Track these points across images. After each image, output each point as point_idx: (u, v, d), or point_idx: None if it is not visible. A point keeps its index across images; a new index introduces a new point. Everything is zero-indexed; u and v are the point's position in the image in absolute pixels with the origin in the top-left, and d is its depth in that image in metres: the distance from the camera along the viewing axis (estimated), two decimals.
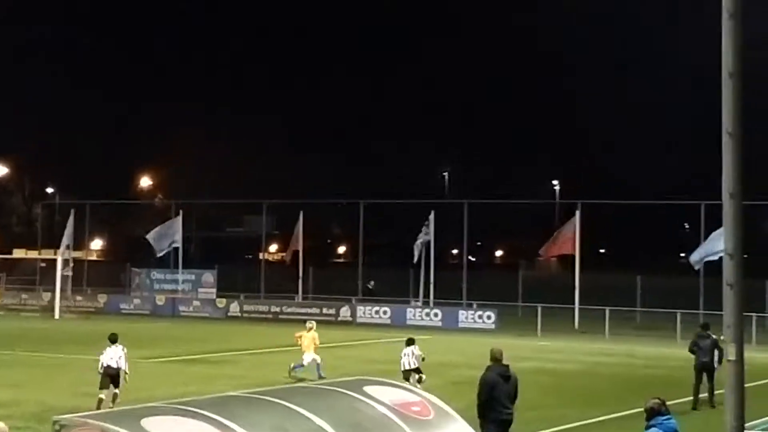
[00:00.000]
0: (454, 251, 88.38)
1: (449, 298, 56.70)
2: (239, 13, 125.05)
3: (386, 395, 9.34)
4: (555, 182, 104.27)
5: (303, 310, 55.25)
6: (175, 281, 60.70)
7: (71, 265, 58.02)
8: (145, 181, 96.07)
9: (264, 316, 55.02)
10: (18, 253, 75.84)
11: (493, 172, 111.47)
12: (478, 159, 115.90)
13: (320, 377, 27.63)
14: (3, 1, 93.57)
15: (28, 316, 55.62)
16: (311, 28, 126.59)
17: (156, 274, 61.88)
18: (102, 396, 23.04)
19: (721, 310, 9.39)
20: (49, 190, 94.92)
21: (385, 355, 38.11)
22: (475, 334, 47.97)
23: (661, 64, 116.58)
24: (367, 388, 9.42)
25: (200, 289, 59.94)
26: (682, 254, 53.89)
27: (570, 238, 53.59)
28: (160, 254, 61.71)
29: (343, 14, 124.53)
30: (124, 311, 57.21)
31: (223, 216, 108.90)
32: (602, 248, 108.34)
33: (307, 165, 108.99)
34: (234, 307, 56.54)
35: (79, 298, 59.26)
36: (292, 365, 29.88)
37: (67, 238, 59.07)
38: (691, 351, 26.29)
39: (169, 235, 60.82)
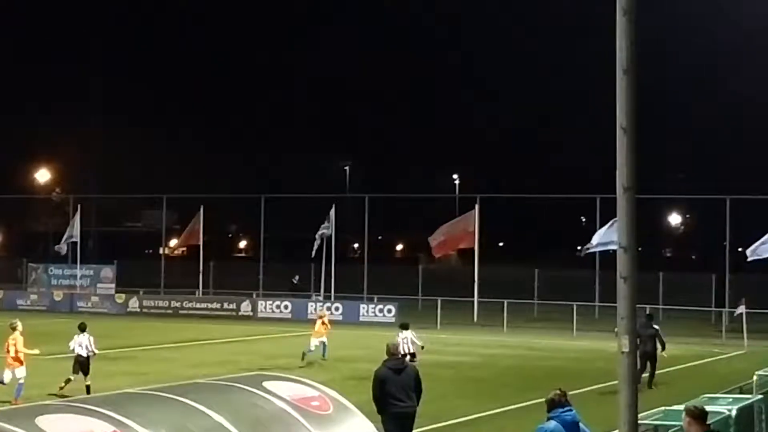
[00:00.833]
0: (355, 245, 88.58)
1: (350, 292, 56.79)
2: (139, 6, 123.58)
3: (285, 390, 9.32)
4: (455, 176, 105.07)
5: (203, 305, 54.93)
6: (74, 276, 59.81)
7: None
8: (42, 176, 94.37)
9: (164, 311, 54.47)
10: None
11: (393, 167, 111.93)
12: (379, 153, 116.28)
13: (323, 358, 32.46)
14: None
15: None
16: (210, 21, 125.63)
17: (54, 270, 60.91)
18: (71, 377, 25.08)
19: (616, 303, 9.54)
20: None
21: (286, 349, 38.07)
22: (376, 328, 48.12)
23: (560, 59, 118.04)
24: (266, 384, 9.39)
25: (99, 285, 59.16)
26: (578, 248, 54.65)
27: (467, 231, 53.95)
28: (62, 252, 60.63)
29: (242, 6, 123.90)
30: (20, 307, 56.08)
31: (122, 211, 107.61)
32: (501, 242, 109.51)
33: (208, 159, 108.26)
34: (133, 303, 55.91)
35: None
36: (304, 350, 32.88)
37: None
38: (638, 340, 26.49)
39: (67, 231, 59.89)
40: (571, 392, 13.17)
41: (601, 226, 50.86)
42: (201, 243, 58.88)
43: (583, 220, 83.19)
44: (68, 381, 25.07)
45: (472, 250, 53.96)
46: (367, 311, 52.16)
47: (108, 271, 59.85)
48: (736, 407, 14.52)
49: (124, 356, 35.03)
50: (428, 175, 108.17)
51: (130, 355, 35.63)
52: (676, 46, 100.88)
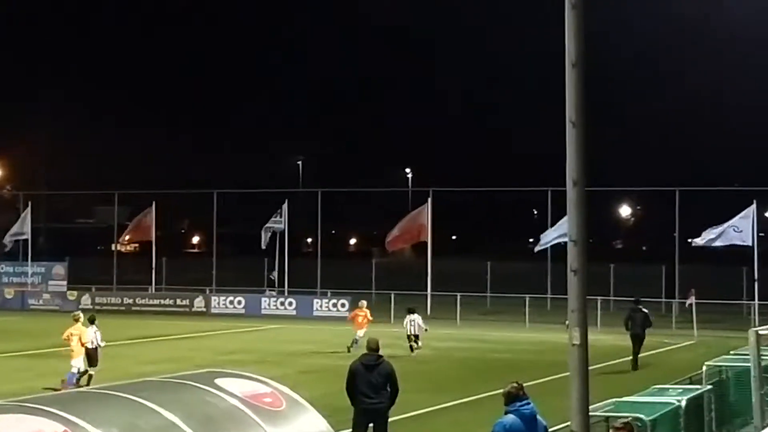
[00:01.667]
0: (309, 240, 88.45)
1: (304, 286, 56.72)
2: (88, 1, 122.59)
3: (237, 387, 9.30)
4: (407, 170, 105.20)
5: (156, 301, 54.65)
6: (25, 274, 59.27)
7: None
8: None
9: (117, 308, 54.10)
10: None
11: (346, 161, 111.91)
12: (332, 148, 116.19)
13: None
14: None
15: None
16: (163, 16, 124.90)
17: (4, 267, 60.34)
18: (91, 372, 25.96)
19: (567, 295, 9.59)
20: None
21: (239, 345, 37.99)
22: (330, 323, 48.12)
23: (511, 51, 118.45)
24: (218, 381, 9.37)
25: (50, 282, 58.66)
26: (531, 240, 55.02)
27: (421, 225, 54.04)
28: (7, 248, 60.12)
29: (196, 2, 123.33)
30: None
31: (74, 207, 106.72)
32: (453, 235, 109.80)
33: (160, 154, 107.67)
34: (86, 300, 55.47)
35: None
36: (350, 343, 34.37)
37: None
38: (626, 324, 32.39)
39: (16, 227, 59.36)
40: (524, 384, 13.25)
41: (553, 218, 51.27)
42: (153, 239, 58.56)
43: (535, 212, 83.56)
44: (87, 374, 25.99)
45: (425, 243, 54.08)
46: (321, 306, 52.13)
47: (60, 268, 59.36)
48: (685, 398, 14.67)
49: None
50: (381, 169, 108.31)
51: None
52: (623, 38, 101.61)
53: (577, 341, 9.30)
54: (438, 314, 50.91)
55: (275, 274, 60.19)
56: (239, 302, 53.54)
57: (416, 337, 34.43)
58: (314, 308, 51.97)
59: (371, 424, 16.85)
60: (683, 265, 52.02)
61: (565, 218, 41.27)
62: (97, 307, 54.36)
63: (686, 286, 49.38)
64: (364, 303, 37.53)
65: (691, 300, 46.75)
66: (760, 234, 50.42)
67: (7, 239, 59.20)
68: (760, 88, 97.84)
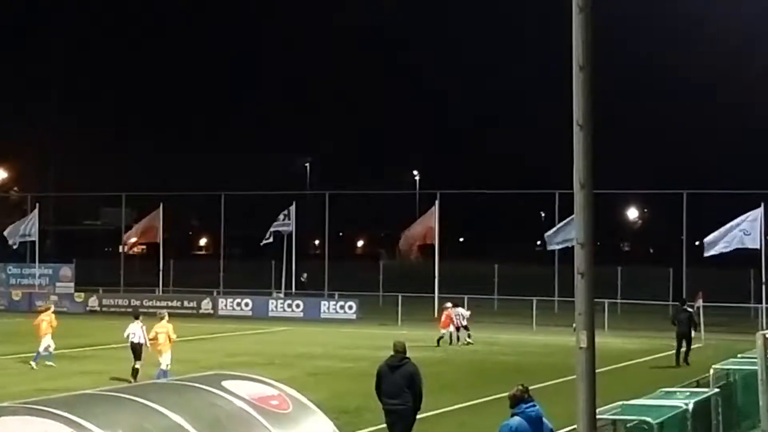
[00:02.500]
0: (316, 242, 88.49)
1: (311, 288, 56.73)
2: (98, 7, 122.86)
3: (244, 389, 9.30)
4: (415, 172, 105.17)
5: (163, 303, 54.47)
6: (32, 276, 59.38)
7: None
8: None
9: (124, 309, 54.08)
10: None
11: (354, 163, 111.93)
12: (340, 150, 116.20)
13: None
14: None
15: None
16: (168, 20, 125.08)
17: (12, 269, 60.43)
18: (137, 366, 27.07)
19: (574, 297, 9.58)
20: None
21: (247, 347, 38.01)
22: (337, 325, 48.19)
23: (518, 53, 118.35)
24: (225, 383, 9.36)
25: (58, 284, 58.75)
26: (538, 242, 54.93)
27: (429, 227, 54.07)
28: (15, 246, 60.16)
29: (198, 4, 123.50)
30: None
31: (81, 209, 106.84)
32: (461, 237, 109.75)
33: (167, 156, 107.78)
34: (93, 301, 55.59)
35: None
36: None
37: None
38: (673, 322, 34.74)
39: (23, 227, 59.42)
40: (531, 387, 13.24)
41: (560, 220, 51.18)
42: (161, 241, 58.62)
43: (543, 215, 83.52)
44: (133, 368, 27.01)
45: (433, 246, 54.08)
46: (328, 308, 52.14)
47: (67, 270, 59.45)
48: (693, 401, 14.64)
49: (83, 356, 34.86)
50: (389, 171, 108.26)
51: (90, 354, 35.44)
52: (631, 40, 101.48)
53: (584, 344, 9.31)
54: None
55: (305, 276, 60.23)
56: (246, 304, 53.58)
57: (465, 327, 39.32)
58: (322, 310, 52.00)
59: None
60: (690, 267, 51.95)
61: (572, 217, 41.37)
62: (104, 309, 54.53)
63: (694, 289, 49.29)
64: (449, 304, 40.29)
65: (699, 303, 46.65)
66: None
67: (15, 239, 59.18)
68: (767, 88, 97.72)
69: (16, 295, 57.29)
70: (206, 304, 54.01)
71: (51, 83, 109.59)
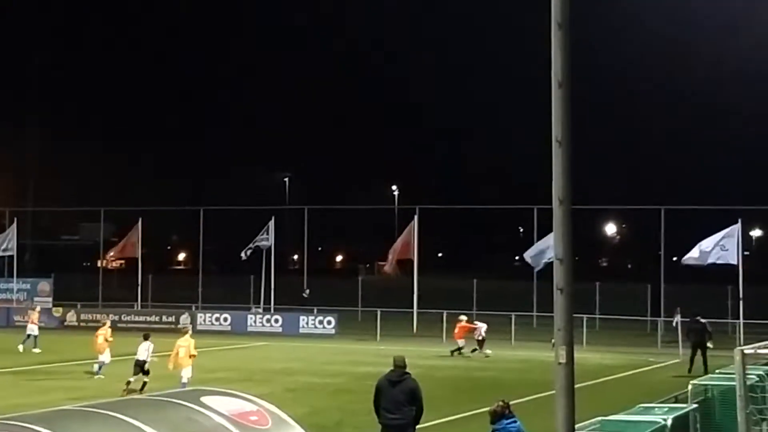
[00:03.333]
0: (295, 257, 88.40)
1: (290, 304, 56.63)
2: (75, 19, 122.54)
3: (223, 405, 9.27)
4: (394, 187, 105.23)
5: (142, 318, 54.42)
6: (10, 290, 59.06)
7: None
8: None
9: (102, 325, 53.81)
10: None
11: (333, 178, 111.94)
12: (319, 165, 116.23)
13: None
14: None
15: None
16: (146, 33, 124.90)
17: None
18: (131, 379, 28.37)
19: (553, 313, 9.59)
20: None
21: (225, 363, 37.87)
22: (316, 340, 48.10)
23: (499, 70, 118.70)
24: (205, 399, 9.33)
25: (36, 298, 58.39)
26: (517, 257, 55.07)
27: (408, 242, 54.09)
28: None
29: (177, 17, 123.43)
30: None
31: (60, 224, 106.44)
32: (440, 252, 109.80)
33: (146, 171, 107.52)
34: (71, 316, 55.27)
35: None
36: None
37: None
38: (687, 334, 37.78)
39: (1, 242, 59.15)
40: (511, 403, 13.26)
41: (539, 236, 51.24)
42: (139, 256, 58.43)
43: (521, 230, 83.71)
44: (128, 383, 28.24)
45: (412, 261, 54.09)
46: (307, 323, 52.00)
47: (45, 285, 59.15)
48: (671, 416, 14.67)
49: (61, 371, 34.68)
50: (367, 186, 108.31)
51: (68, 369, 35.25)
52: (606, 55, 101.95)
53: (563, 360, 9.34)
54: (424, 332, 50.88)
55: (308, 291, 60.09)
56: (225, 319, 53.40)
57: (483, 340, 41.57)
58: (300, 325, 51.85)
59: None
60: (669, 283, 52.11)
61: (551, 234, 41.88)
62: (83, 324, 54.20)
63: (672, 305, 49.46)
64: (464, 318, 42.79)
65: (677, 319, 46.83)
66: (745, 252, 50.60)
67: None
68: (746, 108, 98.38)
69: None
70: (185, 319, 53.74)
71: (28, 98, 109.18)
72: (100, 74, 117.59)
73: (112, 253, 63.40)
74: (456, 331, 41.99)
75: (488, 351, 41.20)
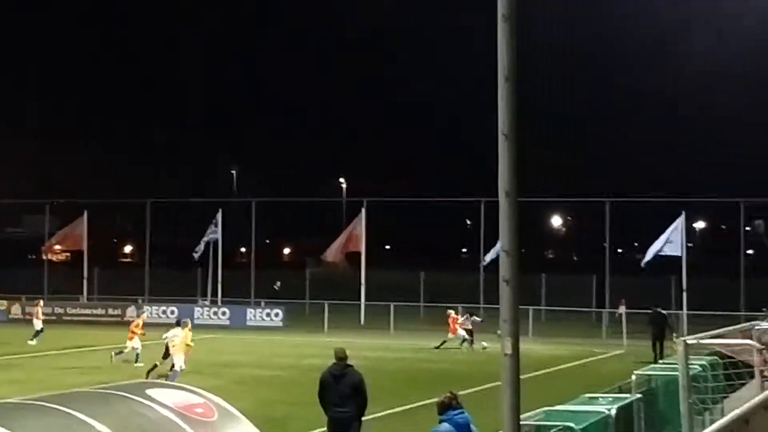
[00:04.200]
0: (243, 249, 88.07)
1: (238, 296, 56.50)
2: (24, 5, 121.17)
3: (169, 398, 9.25)
4: (342, 180, 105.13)
5: (88, 311, 54.12)
6: None
7: None
8: None
9: (47, 317, 53.27)
10: None
11: (280, 171, 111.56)
12: (266, 158, 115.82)
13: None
14: None
15: None
16: (97, 22, 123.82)
17: None
18: (157, 363, 29.82)
19: (499, 305, 9.65)
20: None
21: None
22: (264, 332, 48.06)
23: (444, 64, 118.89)
24: (150, 391, 9.31)
25: None
26: (464, 250, 55.28)
27: (355, 235, 54.17)
28: None
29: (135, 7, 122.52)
30: None
31: (3, 216, 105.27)
32: (387, 245, 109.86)
33: (93, 163, 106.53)
34: (16, 310, 54.81)
35: None
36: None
37: None
38: (650, 324, 38.23)
39: None
40: (458, 394, 13.34)
41: (486, 228, 51.53)
42: (85, 248, 57.99)
43: (469, 223, 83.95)
44: (155, 366, 29.55)
45: (359, 253, 54.16)
46: (255, 315, 51.95)
47: None
48: (615, 406, 14.83)
49: (7, 364, 34.40)
50: (315, 179, 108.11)
51: (14, 363, 34.98)
52: (547, 48, 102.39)
53: (509, 351, 9.39)
54: (372, 324, 51.01)
55: (279, 284, 59.91)
56: (172, 312, 53.14)
57: (470, 332, 41.92)
58: (248, 318, 51.78)
59: None
60: (613, 275, 52.59)
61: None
62: (28, 317, 53.67)
63: (616, 296, 49.94)
64: (452, 312, 43.30)
65: (621, 310, 47.32)
66: (689, 244, 51.17)
67: None
68: (688, 98, 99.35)
69: None
70: (131, 312, 53.44)
71: None
72: (46, 63, 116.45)
73: (53, 241, 62.70)
74: (450, 326, 42.38)
75: (484, 343, 40.48)
